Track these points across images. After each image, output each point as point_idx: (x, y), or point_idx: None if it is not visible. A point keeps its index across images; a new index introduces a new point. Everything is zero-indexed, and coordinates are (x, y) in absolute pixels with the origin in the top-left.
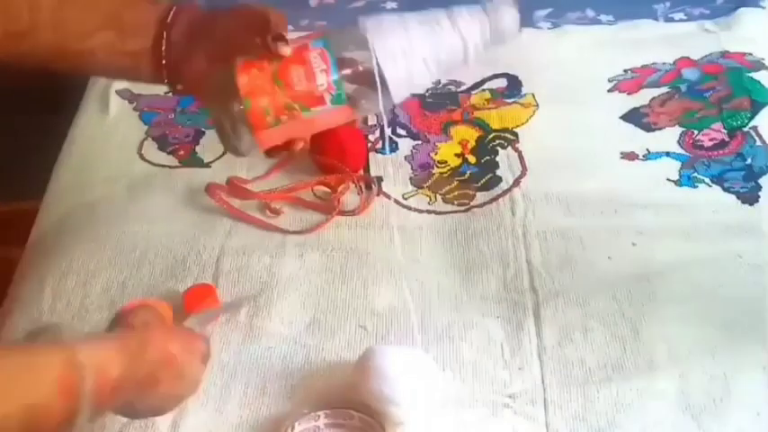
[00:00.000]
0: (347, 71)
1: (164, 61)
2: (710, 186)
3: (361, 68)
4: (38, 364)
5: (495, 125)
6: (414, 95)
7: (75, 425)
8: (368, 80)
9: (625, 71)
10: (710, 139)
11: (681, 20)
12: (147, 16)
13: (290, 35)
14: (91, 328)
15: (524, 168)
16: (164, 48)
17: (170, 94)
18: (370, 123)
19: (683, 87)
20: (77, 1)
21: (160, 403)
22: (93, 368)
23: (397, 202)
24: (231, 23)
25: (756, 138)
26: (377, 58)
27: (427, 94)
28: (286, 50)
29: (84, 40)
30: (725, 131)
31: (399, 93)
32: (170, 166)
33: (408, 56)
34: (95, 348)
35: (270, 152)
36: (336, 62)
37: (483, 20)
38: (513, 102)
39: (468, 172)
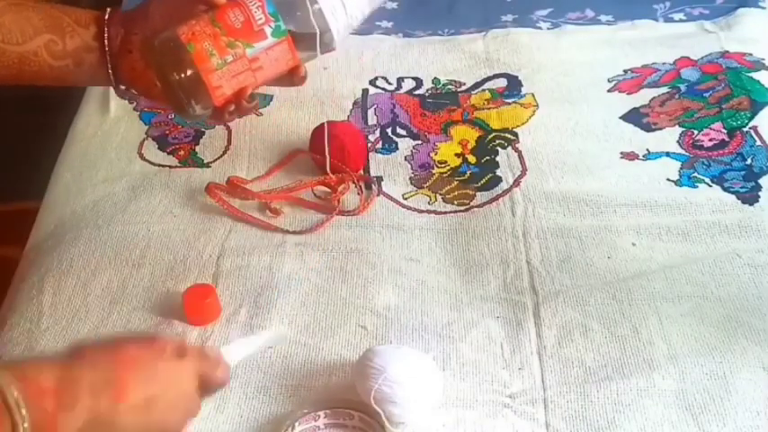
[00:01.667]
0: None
1: (108, 57)
2: (710, 186)
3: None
4: None
5: (495, 125)
6: (414, 95)
7: None
8: (306, 21)
9: (625, 71)
10: (710, 139)
11: (680, 20)
12: (86, 16)
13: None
14: (91, 328)
15: (524, 168)
16: (105, 42)
17: None
18: (370, 123)
19: (683, 87)
20: (16, 6)
21: (147, 415)
22: (15, 380)
23: (397, 202)
24: (166, 1)
25: (756, 138)
26: None
27: (427, 95)
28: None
29: (25, 42)
30: (725, 131)
31: (335, 22)
32: (170, 166)
33: None
34: (13, 367)
35: (222, 109)
36: None
37: None
38: (513, 102)
39: (468, 172)
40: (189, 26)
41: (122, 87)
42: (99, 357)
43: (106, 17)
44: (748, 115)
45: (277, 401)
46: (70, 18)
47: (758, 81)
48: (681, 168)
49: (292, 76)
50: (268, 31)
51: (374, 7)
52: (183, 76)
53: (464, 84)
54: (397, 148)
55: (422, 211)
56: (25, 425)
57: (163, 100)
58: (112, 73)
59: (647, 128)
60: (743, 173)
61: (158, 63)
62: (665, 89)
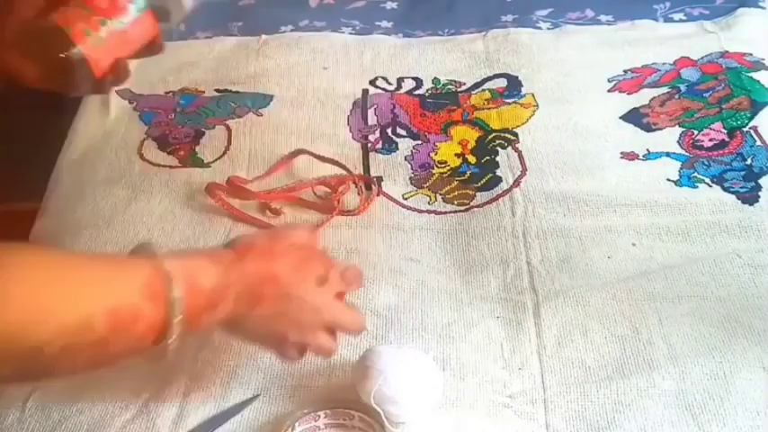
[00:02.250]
0: None
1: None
2: (710, 186)
3: None
4: (124, 269)
5: (495, 125)
6: (414, 95)
7: (168, 333)
8: None
9: (625, 71)
10: (710, 139)
11: (680, 20)
12: None
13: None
14: None
15: (524, 168)
16: None
17: (170, 94)
18: (370, 123)
19: (683, 87)
20: None
21: (271, 324)
22: (183, 277)
23: (397, 202)
24: None
25: (756, 138)
26: None
27: (427, 95)
28: None
29: None
30: (725, 131)
31: None
32: (170, 166)
33: None
34: (185, 259)
35: (103, 79)
36: None
37: None
38: (513, 102)
39: (468, 172)
40: (61, 12)
41: None
42: (253, 267)
43: None
44: (748, 115)
45: (277, 402)
46: None
47: (758, 81)
48: (681, 168)
49: (153, 45)
50: (132, 8)
51: None
52: (67, 55)
53: (464, 84)
54: (397, 149)
55: (422, 211)
56: (177, 319)
57: (40, 83)
58: None
59: (647, 128)
60: (743, 173)
61: (42, 48)
62: (665, 89)
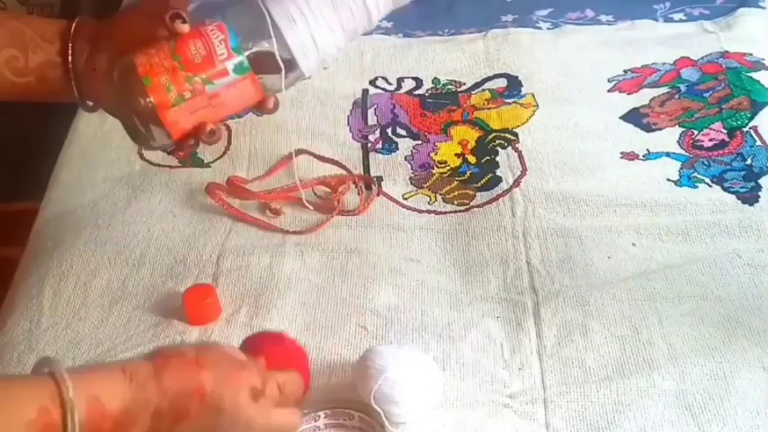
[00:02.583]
0: (249, 44)
1: (71, 74)
2: (710, 186)
3: (264, 42)
4: (12, 403)
5: (495, 125)
6: (414, 95)
7: None
8: (272, 55)
9: (625, 71)
10: (710, 139)
11: (680, 20)
12: (51, 30)
13: None
14: (91, 328)
15: (524, 168)
16: (69, 58)
17: None
18: (370, 123)
19: (683, 87)
20: None
21: None
22: (85, 402)
23: (397, 202)
24: (131, 18)
25: (756, 138)
26: (274, 21)
27: (427, 95)
28: (184, 27)
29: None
30: (725, 131)
31: (305, 59)
32: (170, 166)
33: (309, 20)
34: (90, 380)
35: (182, 142)
36: (235, 31)
37: None
38: (513, 102)
39: (468, 172)
40: (148, 56)
41: (89, 104)
42: (175, 381)
43: (72, 31)
44: (748, 115)
45: None
46: (34, 31)
47: (758, 81)
48: (681, 168)
49: (260, 107)
50: (230, 67)
51: (353, 39)
52: (138, 109)
53: (464, 84)
54: (397, 149)
55: (422, 211)
56: None
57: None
58: (77, 90)
59: (647, 128)
60: (743, 173)
61: (116, 92)
62: (665, 89)
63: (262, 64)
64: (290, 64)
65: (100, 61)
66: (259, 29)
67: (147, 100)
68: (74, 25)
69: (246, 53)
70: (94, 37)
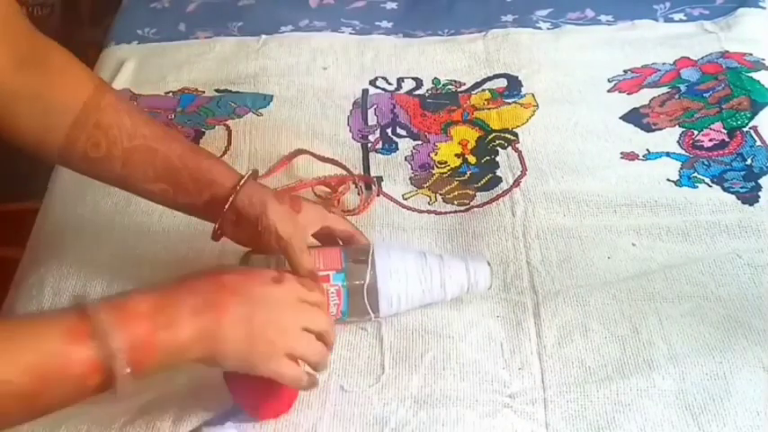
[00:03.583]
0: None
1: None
2: (710, 186)
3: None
4: (39, 323)
5: (495, 125)
6: (414, 96)
7: (115, 367)
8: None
9: (625, 71)
10: (710, 140)
11: (680, 20)
12: (205, 180)
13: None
14: None
15: (524, 168)
16: (216, 226)
17: (170, 94)
18: (370, 123)
19: (683, 87)
20: (147, 148)
21: (252, 335)
22: (110, 310)
23: (397, 202)
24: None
25: (756, 138)
26: (375, 273)
27: (427, 95)
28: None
29: (145, 183)
30: (725, 131)
31: (385, 307)
32: None
33: (401, 281)
34: (113, 298)
35: None
36: (349, 297)
37: (463, 277)
38: (513, 102)
39: (469, 172)
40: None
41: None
42: (199, 284)
43: (226, 206)
44: (748, 115)
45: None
46: (190, 175)
47: (758, 81)
48: (681, 168)
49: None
50: (333, 320)
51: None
52: None
53: (464, 84)
54: (397, 149)
55: (422, 212)
56: (118, 351)
57: None
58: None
59: (647, 128)
60: (743, 173)
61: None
62: (665, 89)
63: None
64: (374, 304)
65: (241, 236)
66: (364, 308)
67: None
68: (230, 199)
69: (347, 318)
70: (239, 225)
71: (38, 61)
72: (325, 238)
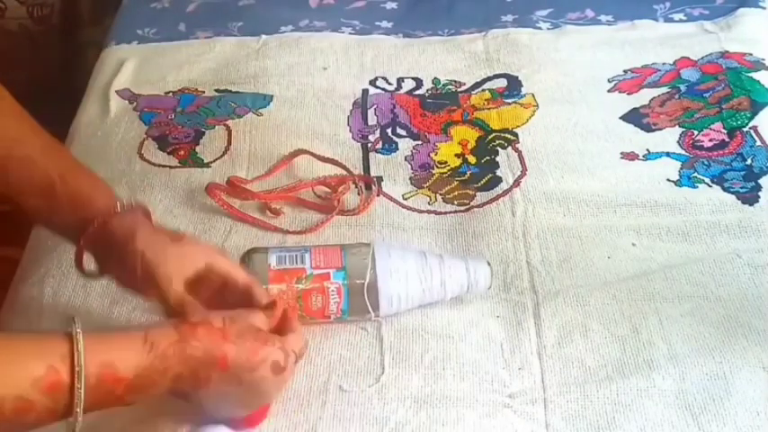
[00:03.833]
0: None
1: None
2: (710, 186)
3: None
4: (22, 358)
5: (495, 125)
6: (414, 95)
7: (62, 418)
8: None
9: (625, 71)
10: (710, 140)
11: (680, 20)
12: (80, 199)
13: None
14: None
15: (524, 168)
16: (79, 245)
17: (170, 94)
18: (370, 123)
19: (683, 87)
20: (25, 159)
21: (220, 404)
22: (96, 366)
23: (397, 202)
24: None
25: (756, 138)
26: (376, 272)
27: (427, 95)
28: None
29: (20, 195)
30: (725, 132)
31: (385, 306)
32: (170, 166)
33: (401, 281)
34: (107, 344)
35: None
36: (349, 295)
37: (463, 277)
38: (513, 102)
39: (469, 172)
40: (280, 292)
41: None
42: (199, 350)
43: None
44: (748, 115)
45: (275, 402)
46: (67, 193)
47: (758, 81)
48: (681, 168)
49: None
50: (333, 318)
51: (423, 304)
52: None
53: (464, 84)
54: (397, 149)
55: (422, 212)
56: (79, 410)
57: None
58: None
59: (647, 128)
60: (743, 173)
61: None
62: (665, 89)
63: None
64: (375, 303)
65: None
66: (364, 307)
67: None
68: (86, 234)
69: (347, 316)
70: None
71: None
72: (208, 284)
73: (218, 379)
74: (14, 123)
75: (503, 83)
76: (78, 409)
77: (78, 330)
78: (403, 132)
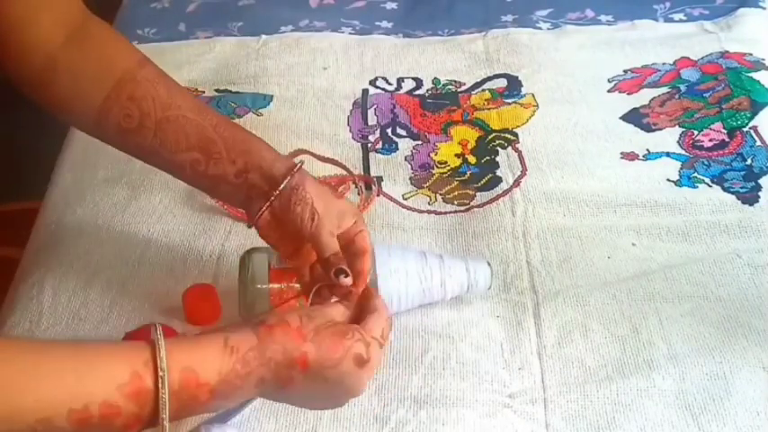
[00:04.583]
0: None
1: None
2: (710, 186)
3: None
4: (106, 365)
5: (495, 125)
6: (414, 96)
7: (149, 425)
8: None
9: (625, 71)
10: (710, 140)
11: (680, 20)
12: (238, 148)
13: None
14: (91, 328)
15: (524, 168)
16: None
17: None
18: (370, 123)
19: (683, 87)
20: (180, 118)
21: (307, 402)
22: (178, 371)
23: (397, 202)
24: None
25: (756, 138)
26: (376, 272)
27: (427, 95)
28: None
29: (176, 153)
30: (725, 132)
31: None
32: None
33: (401, 281)
34: (189, 350)
35: None
36: None
37: (463, 277)
38: (513, 102)
39: (469, 172)
40: (280, 292)
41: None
42: (278, 352)
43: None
44: (748, 115)
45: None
46: (224, 143)
47: (758, 81)
48: (681, 168)
49: None
50: None
51: (423, 304)
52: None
53: (464, 84)
54: (397, 149)
55: (422, 212)
56: (165, 416)
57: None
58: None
59: (647, 128)
60: (743, 173)
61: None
62: (665, 89)
63: None
64: None
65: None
66: None
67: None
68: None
69: None
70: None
71: (82, 36)
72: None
73: (302, 379)
74: (163, 89)
75: (503, 83)
76: (164, 415)
77: (160, 335)
78: (403, 132)
